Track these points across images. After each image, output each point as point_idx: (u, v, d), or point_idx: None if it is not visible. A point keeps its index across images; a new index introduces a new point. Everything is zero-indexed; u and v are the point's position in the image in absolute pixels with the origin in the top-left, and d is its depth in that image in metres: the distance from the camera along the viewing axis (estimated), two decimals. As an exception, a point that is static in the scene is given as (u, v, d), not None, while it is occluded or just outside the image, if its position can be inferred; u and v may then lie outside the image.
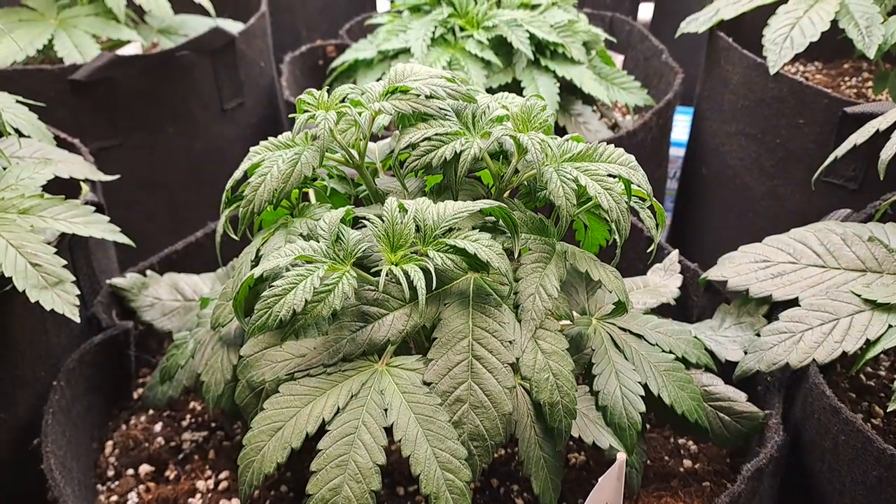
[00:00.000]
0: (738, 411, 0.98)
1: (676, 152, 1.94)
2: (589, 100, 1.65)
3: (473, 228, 0.85)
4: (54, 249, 0.90)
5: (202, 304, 1.07)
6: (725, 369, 1.03)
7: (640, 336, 0.98)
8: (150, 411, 1.14)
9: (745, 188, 1.58)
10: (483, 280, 0.84)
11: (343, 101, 0.93)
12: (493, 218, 0.89)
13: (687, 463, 1.08)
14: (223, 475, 1.04)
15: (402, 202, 0.83)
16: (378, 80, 1.63)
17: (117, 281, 1.15)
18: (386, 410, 0.77)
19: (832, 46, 1.64)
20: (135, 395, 1.18)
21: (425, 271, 0.78)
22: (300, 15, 2.33)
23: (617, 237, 0.89)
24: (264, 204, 0.89)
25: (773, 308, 1.05)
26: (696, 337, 1.02)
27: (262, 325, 0.77)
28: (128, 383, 1.15)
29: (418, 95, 0.90)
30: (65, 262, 0.90)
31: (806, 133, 1.44)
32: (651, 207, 0.95)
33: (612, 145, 0.90)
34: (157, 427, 1.12)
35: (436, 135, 0.88)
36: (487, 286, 0.84)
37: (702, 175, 1.72)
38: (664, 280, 1.19)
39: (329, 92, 0.92)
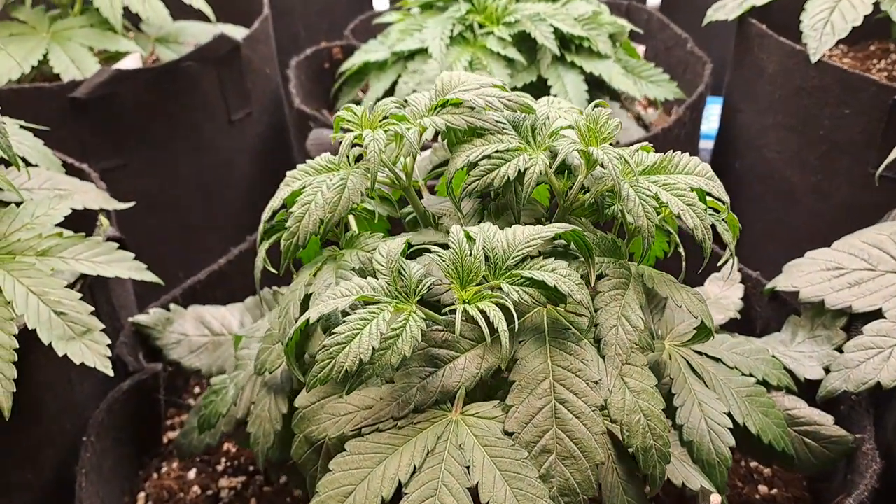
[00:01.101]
0: (826, 436, 0.91)
1: (703, 145, 1.87)
2: (615, 95, 1.58)
3: (540, 254, 0.77)
4: (79, 295, 0.82)
5: (235, 342, 0.98)
6: (802, 387, 0.96)
7: (717, 359, 0.91)
8: (182, 456, 1.06)
9: (785, 183, 1.51)
10: (557, 312, 0.76)
11: (386, 117, 0.85)
12: (562, 241, 0.81)
13: (763, 489, 1.01)
14: (268, 526, 0.96)
15: (467, 230, 0.75)
16: (394, 84, 1.55)
17: (140, 318, 1.06)
18: (468, 468, 0.69)
19: (856, 28, 1.56)
20: (164, 439, 1.09)
21: (504, 310, 0.70)
22: (298, 15, 2.23)
23: (682, 250, 0.82)
24: (309, 236, 0.81)
25: (850, 320, 0.98)
26: (773, 356, 0.95)
27: (325, 377, 0.69)
28: (158, 428, 1.06)
29: (472, 108, 0.82)
30: (92, 309, 0.82)
31: (852, 123, 1.37)
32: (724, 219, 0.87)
33: (693, 157, 0.83)
34: (191, 474, 1.04)
35: (496, 152, 0.80)
36: (564, 319, 0.76)
37: (735, 170, 1.65)
38: (724, 291, 1.11)
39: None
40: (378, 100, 1.56)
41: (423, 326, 0.71)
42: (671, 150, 1.25)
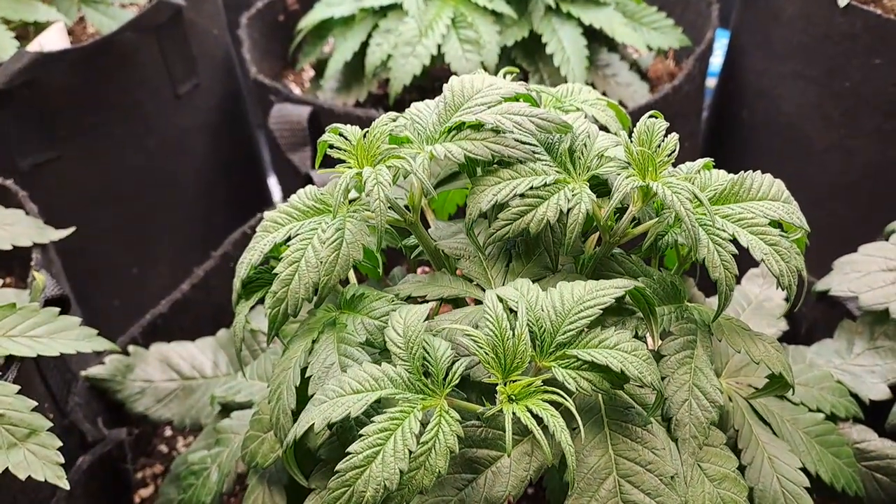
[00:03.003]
0: (900, 471, 0.81)
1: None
2: (613, 45, 1.40)
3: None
4: (16, 388, 0.65)
5: (210, 401, 0.83)
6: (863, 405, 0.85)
7: (781, 396, 0.78)
8: (159, 518, 0.92)
9: (804, 139, 1.37)
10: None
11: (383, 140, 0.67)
12: (614, 292, 0.66)
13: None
14: None
15: (504, 297, 0.60)
16: (364, 45, 1.35)
17: (95, 371, 0.90)
18: None
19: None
20: (136, 499, 0.95)
21: (557, 407, 0.56)
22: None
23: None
24: (301, 303, 0.65)
25: (921, 330, 0.87)
26: (838, 381, 0.83)
27: (341, 509, 0.55)
28: (127, 495, 0.92)
29: (496, 131, 0.66)
30: (34, 404, 0.66)
31: (884, 75, 1.23)
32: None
33: (765, 175, 0.68)
34: (172, 541, 0.90)
35: (531, 189, 0.64)
36: (625, 395, 0.62)
37: (742, 120, 1.50)
38: (765, 290, 0.98)
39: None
40: (346, 63, 1.38)
41: (460, 432, 0.56)
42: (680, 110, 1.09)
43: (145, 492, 0.96)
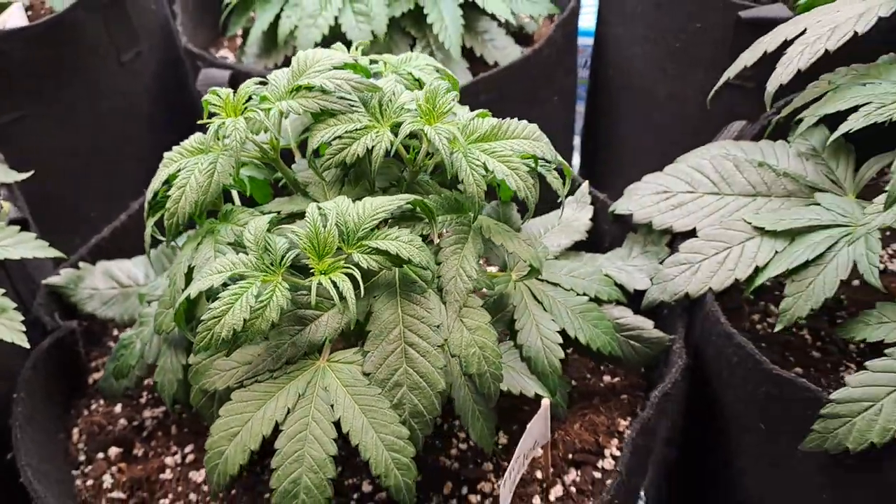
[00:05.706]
0: (647, 338, 1.09)
1: (586, 41, 1.95)
2: (493, 14, 1.66)
3: (391, 218, 0.90)
4: (-11, 280, 0.93)
5: (140, 299, 1.11)
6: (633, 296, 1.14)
7: (556, 284, 1.07)
8: (108, 393, 1.20)
9: (651, 92, 1.64)
10: (408, 269, 0.90)
11: (250, 99, 0.94)
12: (410, 206, 0.94)
13: (607, 378, 1.20)
14: (189, 448, 1.12)
15: (322, 207, 0.87)
16: (278, 17, 1.60)
17: (53, 280, 1.17)
18: (332, 406, 0.85)
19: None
20: (90, 380, 1.23)
21: (351, 278, 0.84)
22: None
23: (530, 193, 0.94)
24: (187, 216, 0.92)
25: (675, 237, 1.15)
26: (606, 275, 1.11)
27: (205, 346, 0.83)
28: (82, 374, 1.20)
29: (325, 91, 0.93)
30: (3, 291, 0.93)
31: (704, 38, 1.49)
32: (559, 169, 1.00)
33: (522, 121, 0.94)
34: (118, 409, 1.19)
35: (346, 132, 0.91)
36: (412, 274, 0.90)
37: (609, 77, 1.77)
38: (576, 213, 1.26)
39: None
40: (264, 32, 1.64)
41: (288, 296, 0.84)
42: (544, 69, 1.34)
43: (97, 375, 1.24)
